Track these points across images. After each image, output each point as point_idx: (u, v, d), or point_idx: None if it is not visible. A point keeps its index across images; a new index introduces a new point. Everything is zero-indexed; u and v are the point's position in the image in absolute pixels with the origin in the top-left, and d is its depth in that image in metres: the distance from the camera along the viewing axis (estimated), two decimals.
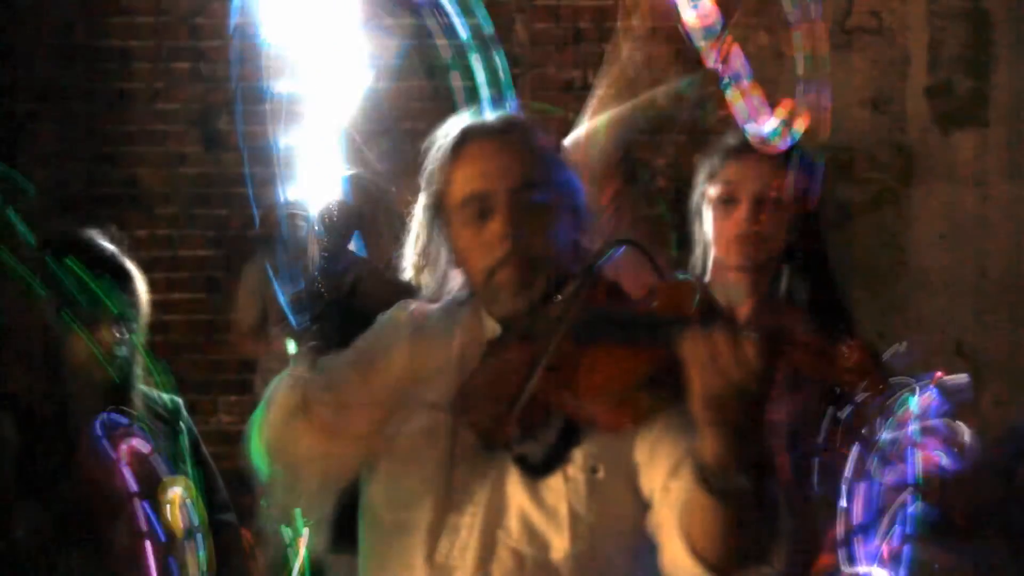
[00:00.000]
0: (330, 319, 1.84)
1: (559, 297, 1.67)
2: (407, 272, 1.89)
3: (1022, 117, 4.71)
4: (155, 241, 4.78)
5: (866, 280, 4.56)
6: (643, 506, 1.65)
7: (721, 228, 2.39)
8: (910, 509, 2.26)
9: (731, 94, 2.21)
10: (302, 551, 2.47)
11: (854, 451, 2.22)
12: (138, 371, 2.47)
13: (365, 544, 1.80)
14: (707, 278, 2.42)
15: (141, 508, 2.26)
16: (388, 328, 1.83)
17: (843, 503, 2.23)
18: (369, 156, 2.49)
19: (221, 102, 4.75)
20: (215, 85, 4.76)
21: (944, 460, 2.29)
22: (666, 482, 1.61)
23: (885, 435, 2.23)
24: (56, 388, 2.17)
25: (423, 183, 1.83)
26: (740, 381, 1.38)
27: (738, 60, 2.19)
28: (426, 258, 1.84)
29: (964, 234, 4.71)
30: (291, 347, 1.81)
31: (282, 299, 1.88)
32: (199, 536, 2.34)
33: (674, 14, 2.18)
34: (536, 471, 1.67)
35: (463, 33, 2.22)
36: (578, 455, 1.67)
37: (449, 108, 1.93)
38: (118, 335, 2.39)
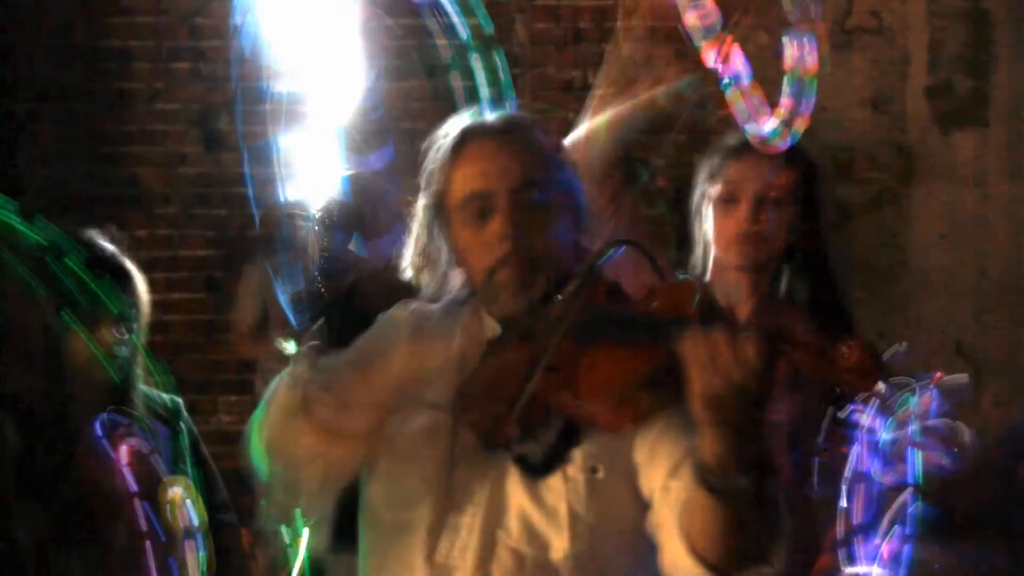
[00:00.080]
0: (330, 319, 1.84)
1: (559, 297, 1.67)
2: (407, 272, 1.89)
3: (1022, 117, 4.71)
4: (155, 241, 4.77)
5: (866, 280, 4.56)
6: (643, 506, 1.65)
7: (721, 228, 2.40)
8: (910, 509, 2.26)
9: (731, 94, 2.21)
10: (302, 551, 2.47)
11: (854, 451, 2.22)
12: (138, 371, 2.47)
13: (365, 544, 1.79)
14: (707, 278, 2.43)
15: (141, 508, 2.26)
16: (388, 328, 1.83)
17: (843, 503, 2.23)
18: (369, 156, 2.49)
19: (221, 102, 4.74)
20: (215, 85, 4.76)
21: (944, 460, 2.29)
22: (666, 482, 1.61)
23: (885, 435, 2.23)
24: (56, 388, 2.17)
25: (423, 183, 1.83)
26: (740, 381, 1.38)
27: (738, 60, 2.19)
28: (426, 258, 1.84)
29: (964, 234, 4.71)
30: (291, 347, 1.81)
31: (282, 299, 1.88)
32: (199, 536, 2.34)
33: (674, 14, 2.18)
34: (536, 471, 1.67)
35: (463, 33, 2.22)
36: (578, 455, 1.67)
37: (449, 108, 1.93)
38: (118, 335, 2.39)
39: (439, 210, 1.80)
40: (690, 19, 2.17)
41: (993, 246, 4.71)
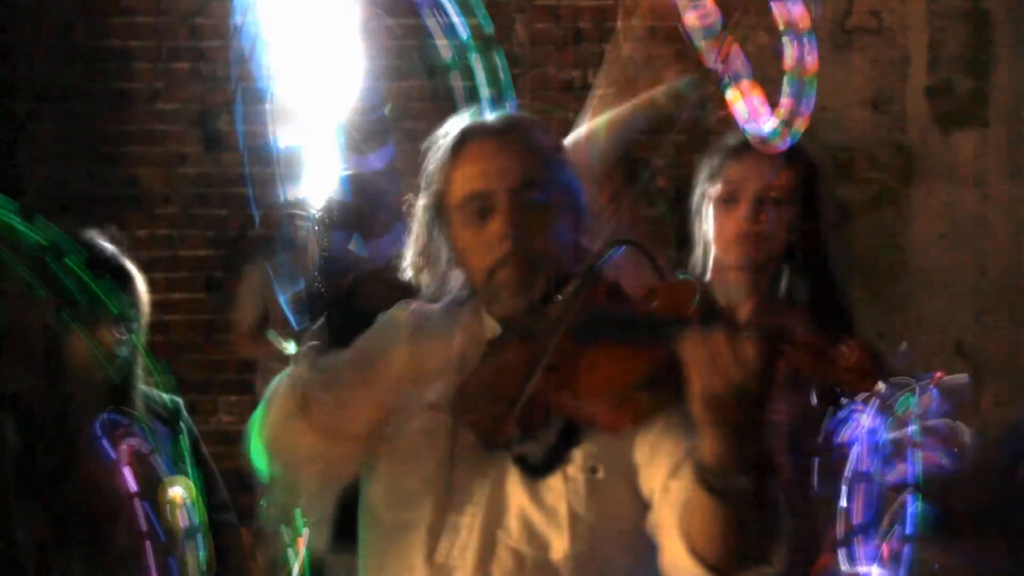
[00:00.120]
0: (330, 319, 1.84)
1: (559, 297, 1.67)
2: (407, 272, 1.89)
3: (1022, 117, 4.71)
4: (155, 241, 4.77)
5: (866, 280, 4.56)
6: (643, 506, 1.65)
7: (721, 228, 2.40)
8: (910, 509, 2.26)
9: (731, 94, 2.21)
10: (302, 551, 2.47)
11: (854, 451, 2.22)
12: (138, 371, 2.47)
13: (365, 544, 1.79)
14: (707, 278, 2.43)
15: (141, 508, 2.26)
16: (388, 328, 1.83)
17: (843, 503, 2.23)
18: (369, 156, 2.49)
19: (221, 102, 4.74)
20: (215, 85, 4.76)
21: (944, 460, 2.29)
22: (666, 482, 1.61)
23: (885, 435, 2.23)
24: (56, 388, 2.17)
25: (423, 183, 1.83)
26: (740, 381, 1.38)
27: (738, 60, 2.19)
28: (426, 258, 1.84)
29: (964, 234, 4.71)
30: (291, 347, 1.81)
31: (282, 299, 1.88)
32: (199, 536, 2.34)
33: (674, 14, 2.18)
34: (536, 471, 1.67)
35: (463, 33, 2.22)
36: (578, 455, 1.67)
37: (449, 108, 1.93)
38: (118, 335, 2.39)
39: (439, 210, 1.80)
40: (690, 19, 2.17)
41: (993, 246, 4.71)
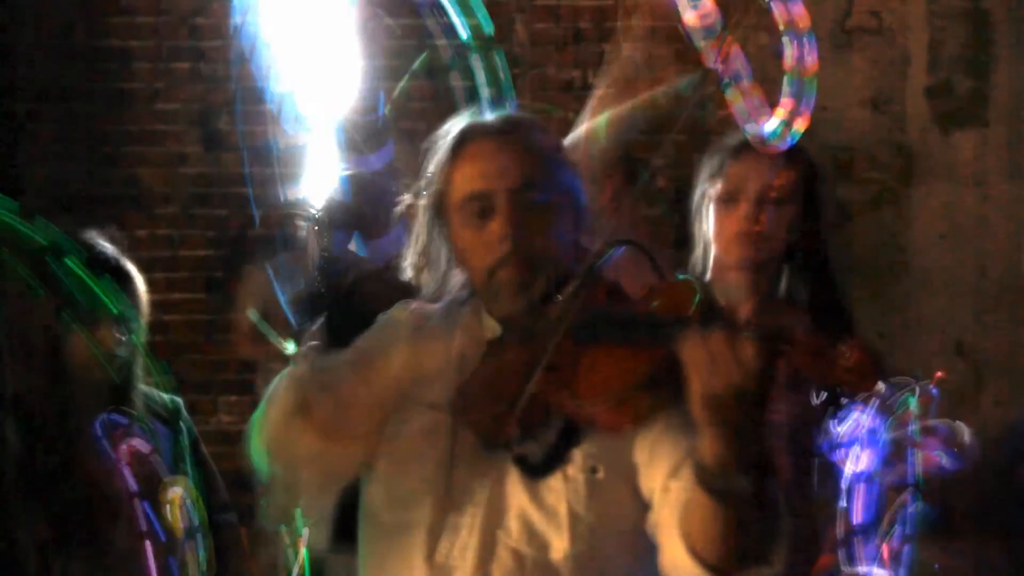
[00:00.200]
0: (330, 319, 1.84)
1: (559, 297, 1.67)
2: (407, 272, 1.89)
3: (1022, 117, 4.70)
4: (155, 241, 4.77)
5: (866, 280, 4.55)
6: (643, 506, 1.65)
7: (722, 227, 2.40)
8: (910, 509, 2.26)
9: (731, 94, 2.21)
10: (302, 551, 2.47)
11: (854, 451, 2.22)
12: (138, 371, 2.47)
13: (365, 544, 1.79)
14: (707, 278, 2.43)
15: (141, 508, 2.26)
16: (388, 328, 1.83)
17: (843, 503, 2.23)
18: (369, 156, 2.49)
19: (221, 102, 4.74)
20: (215, 85, 4.75)
21: (944, 460, 2.29)
22: (666, 482, 1.61)
23: (885, 435, 2.23)
24: (56, 388, 2.17)
25: (423, 183, 1.83)
26: (740, 381, 1.38)
27: (738, 60, 2.19)
28: (426, 258, 1.84)
29: (964, 234, 4.70)
30: (291, 347, 1.81)
31: (282, 299, 1.88)
32: (199, 536, 2.34)
33: (674, 14, 2.18)
34: (536, 471, 1.67)
35: (463, 33, 2.22)
36: (578, 455, 1.67)
37: (449, 108, 1.93)
38: (118, 335, 2.39)
39: (439, 210, 1.80)
40: (690, 19, 2.17)
41: (993, 246, 4.71)
